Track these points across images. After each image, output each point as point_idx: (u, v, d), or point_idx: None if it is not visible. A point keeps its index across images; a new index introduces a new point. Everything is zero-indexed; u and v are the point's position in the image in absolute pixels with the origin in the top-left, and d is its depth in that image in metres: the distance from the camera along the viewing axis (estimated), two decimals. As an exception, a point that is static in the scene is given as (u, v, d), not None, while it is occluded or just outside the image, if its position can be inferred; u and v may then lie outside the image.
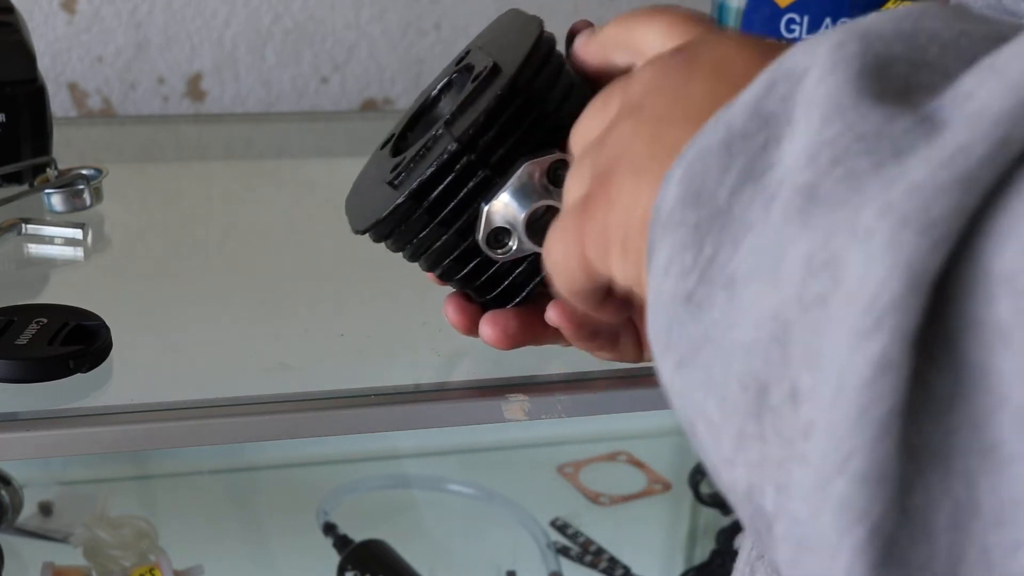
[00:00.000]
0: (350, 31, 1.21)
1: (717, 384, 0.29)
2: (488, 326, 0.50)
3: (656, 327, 0.32)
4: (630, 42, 0.44)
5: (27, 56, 0.84)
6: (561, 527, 1.09)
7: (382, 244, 0.50)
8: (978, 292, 0.25)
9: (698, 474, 1.10)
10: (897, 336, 0.25)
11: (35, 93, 0.84)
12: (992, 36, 0.29)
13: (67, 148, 0.94)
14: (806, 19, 0.95)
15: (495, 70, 0.47)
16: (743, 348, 0.28)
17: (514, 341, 0.50)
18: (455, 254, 0.48)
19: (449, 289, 0.51)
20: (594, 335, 0.50)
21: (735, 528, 1.04)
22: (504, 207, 0.46)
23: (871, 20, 0.30)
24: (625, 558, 1.06)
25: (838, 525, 0.25)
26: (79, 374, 0.58)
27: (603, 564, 1.05)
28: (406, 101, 1.24)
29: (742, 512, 0.30)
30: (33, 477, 1.05)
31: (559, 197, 0.44)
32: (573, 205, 0.39)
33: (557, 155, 0.46)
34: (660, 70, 0.38)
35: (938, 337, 0.25)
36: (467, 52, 0.51)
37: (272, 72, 1.20)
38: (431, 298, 0.55)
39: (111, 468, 1.12)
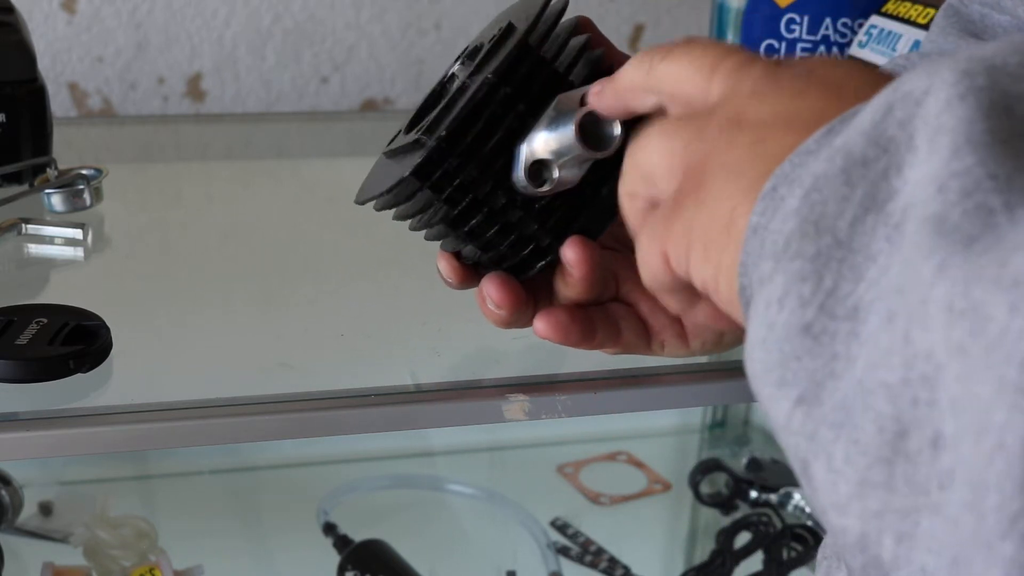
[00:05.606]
0: (350, 31, 1.21)
1: (852, 425, 0.28)
2: (570, 247, 0.47)
3: (767, 363, 0.31)
4: (653, 84, 0.41)
5: (27, 56, 0.84)
6: (561, 527, 1.09)
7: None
8: None
9: (698, 474, 1.10)
10: None
11: (35, 93, 0.84)
12: None
13: (67, 148, 0.94)
14: (806, 19, 0.95)
15: (510, 28, 0.47)
16: (888, 389, 0.27)
17: (594, 290, 0.48)
18: (490, 204, 0.46)
19: (455, 293, 0.51)
20: (591, 335, 0.50)
21: (735, 528, 1.04)
22: (544, 140, 0.45)
23: (994, 52, 0.29)
24: (625, 558, 1.06)
25: None
26: (79, 374, 0.58)
27: (603, 564, 1.05)
28: (406, 101, 1.24)
29: (851, 560, 0.28)
30: (33, 477, 1.05)
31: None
32: (664, 203, 0.38)
33: (588, 87, 0.45)
34: (768, 78, 0.36)
35: None
36: (464, 50, 0.51)
37: (272, 72, 1.20)
38: (431, 298, 0.55)
39: (111, 468, 1.12)
